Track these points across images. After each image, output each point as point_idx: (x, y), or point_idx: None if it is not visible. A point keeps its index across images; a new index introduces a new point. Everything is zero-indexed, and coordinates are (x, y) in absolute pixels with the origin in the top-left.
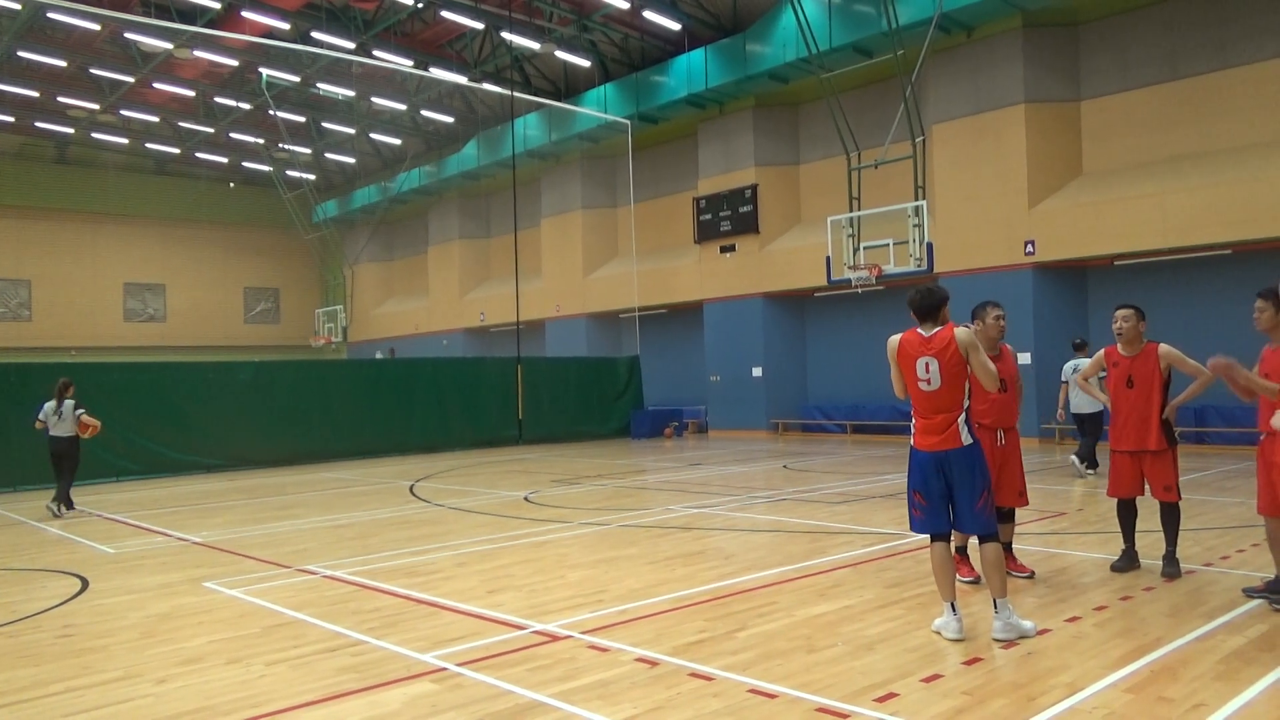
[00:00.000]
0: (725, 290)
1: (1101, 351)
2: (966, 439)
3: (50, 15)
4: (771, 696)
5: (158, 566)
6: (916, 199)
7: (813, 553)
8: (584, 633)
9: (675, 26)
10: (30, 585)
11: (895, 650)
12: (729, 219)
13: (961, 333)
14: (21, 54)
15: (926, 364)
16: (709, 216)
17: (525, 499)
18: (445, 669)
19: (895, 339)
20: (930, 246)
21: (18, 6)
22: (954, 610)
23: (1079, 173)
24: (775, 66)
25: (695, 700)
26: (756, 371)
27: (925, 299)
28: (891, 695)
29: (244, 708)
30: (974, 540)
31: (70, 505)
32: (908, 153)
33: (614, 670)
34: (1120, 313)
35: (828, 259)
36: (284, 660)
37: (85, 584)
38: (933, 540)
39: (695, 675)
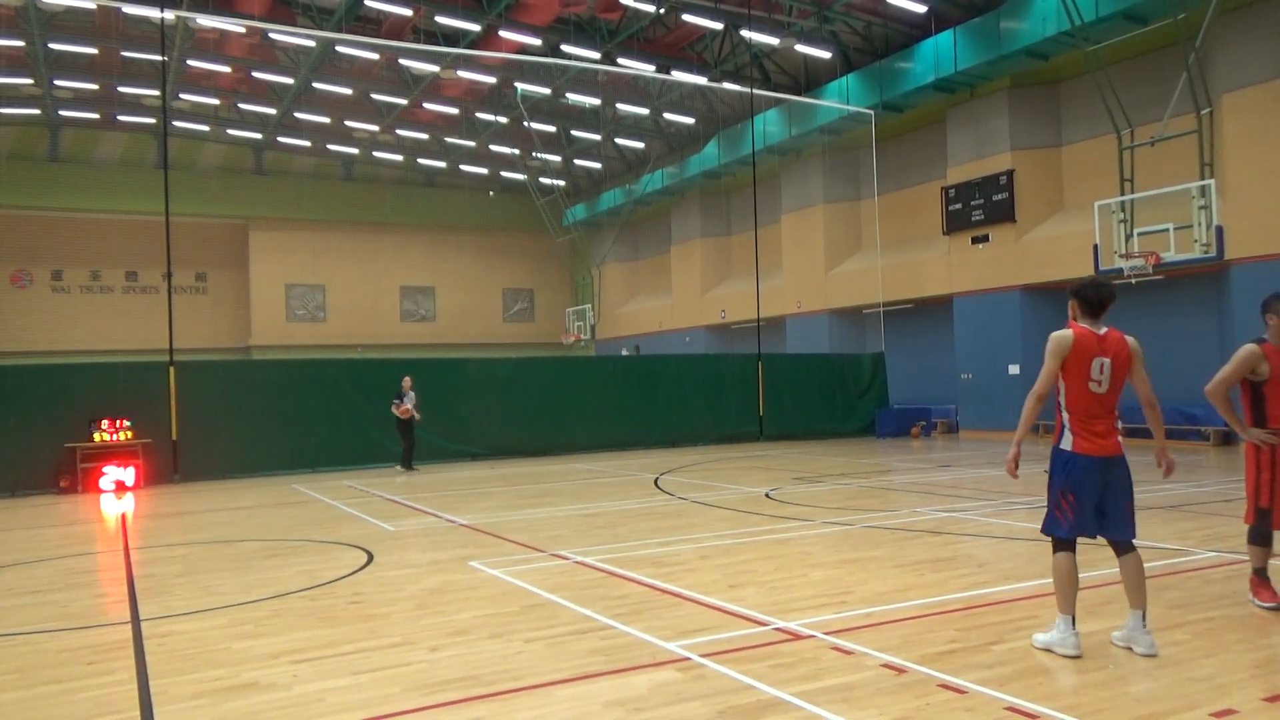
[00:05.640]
0: (977, 283)
1: None
2: (1120, 445)
3: (338, 49)
4: (1032, 717)
5: (430, 545)
6: (1202, 178)
7: (1079, 565)
8: (827, 633)
9: (921, 9)
10: (327, 556)
11: (1178, 679)
12: (981, 208)
13: (1135, 341)
14: (316, 85)
15: (1101, 364)
16: (959, 206)
17: (766, 495)
18: (689, 659)
19: (1068, 333)
20: (1220, 230)
21: (312, 44)
22: (1073, 625)
23: None
24: (1034, 42)
25: (946, 713)
26: (1013, 369)
27: (1108, 292)
28: None
29: (505, 679)
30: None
31: (408, 467)
32: (1191, 127)
33: (859, 674)
34: None
35: (1095, 247)
36: (540, 639)
37: (371, 557)
38: (1066, 548)
39: (946, 686)
